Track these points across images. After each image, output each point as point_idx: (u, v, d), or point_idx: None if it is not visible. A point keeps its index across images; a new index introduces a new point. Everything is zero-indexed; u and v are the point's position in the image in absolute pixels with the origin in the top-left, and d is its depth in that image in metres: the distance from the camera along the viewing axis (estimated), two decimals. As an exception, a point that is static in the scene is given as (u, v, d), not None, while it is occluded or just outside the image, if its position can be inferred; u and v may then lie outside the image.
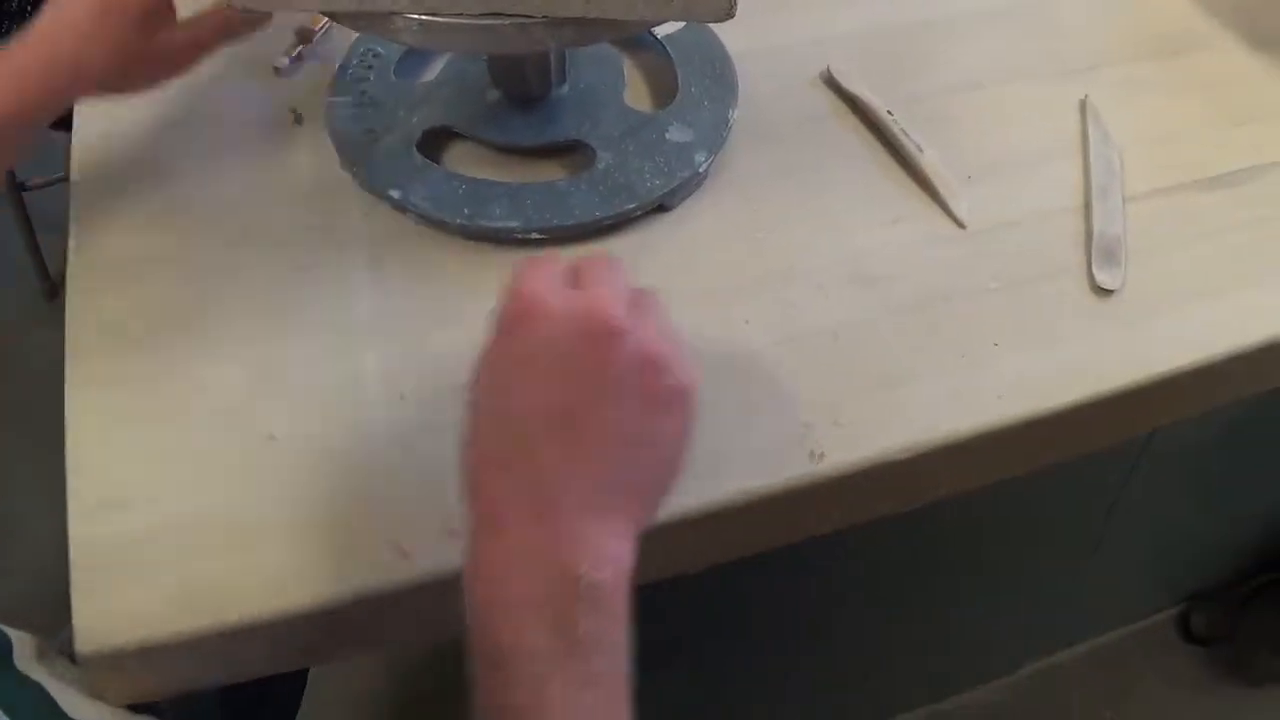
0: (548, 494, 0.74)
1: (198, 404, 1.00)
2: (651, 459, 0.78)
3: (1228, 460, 1.67)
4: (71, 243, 1.12)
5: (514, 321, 0.77)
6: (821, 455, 0.97)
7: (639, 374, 0.76)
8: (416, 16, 0.94)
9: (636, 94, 1.26)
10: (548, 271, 0.78)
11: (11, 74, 0.97)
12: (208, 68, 1.25)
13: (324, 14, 0.98)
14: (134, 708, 0.92)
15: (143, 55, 1.04)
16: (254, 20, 1.10)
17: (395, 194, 1.11)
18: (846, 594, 1.47)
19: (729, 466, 0.97)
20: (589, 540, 0.74)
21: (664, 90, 1.25)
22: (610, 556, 0.74)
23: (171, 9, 1.04)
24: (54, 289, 2.65)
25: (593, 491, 0.75)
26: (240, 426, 0.99)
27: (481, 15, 0.93)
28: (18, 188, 2.61)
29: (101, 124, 1.21)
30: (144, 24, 1.01)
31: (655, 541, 0.94)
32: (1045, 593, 1.86)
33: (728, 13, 0.92)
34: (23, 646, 0.94)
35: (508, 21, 0.93)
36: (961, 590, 1.65)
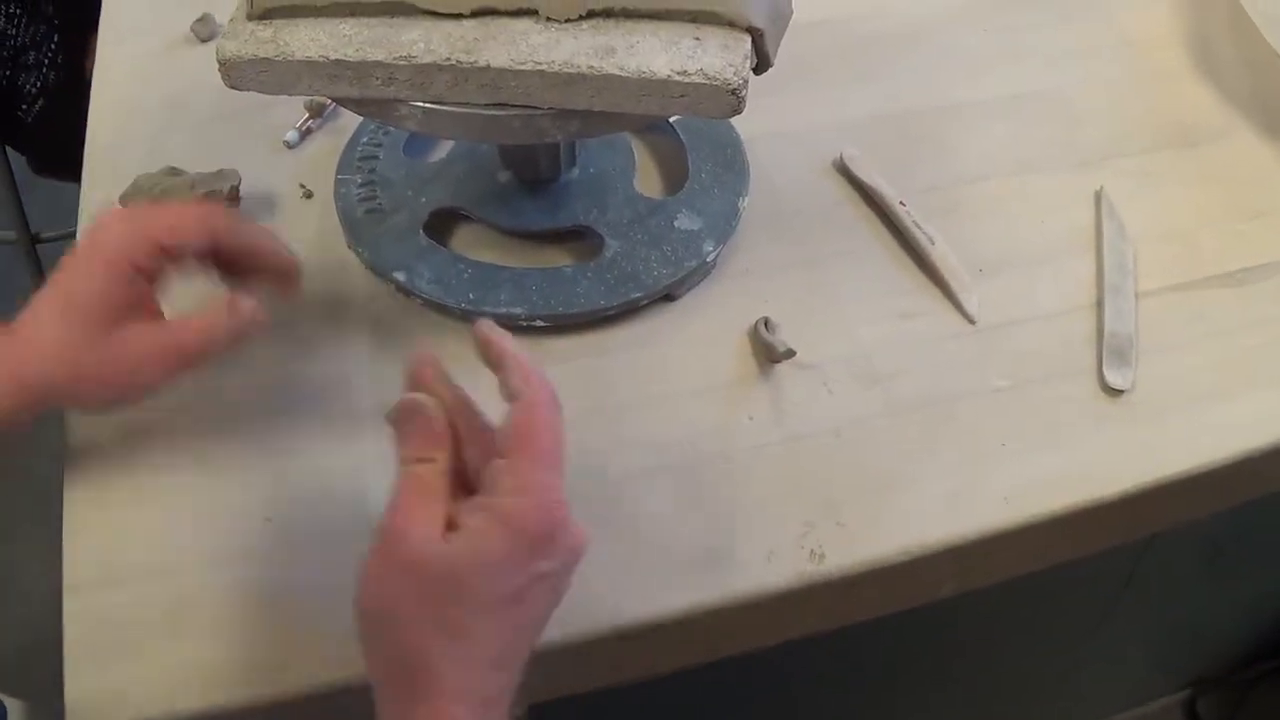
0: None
1: (195, 484, 1.00)
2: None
3: (1235, 544, 1.66)
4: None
5: (440, 591, 0.76)
6: (822, 555, 0.96)
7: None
8: (421, 104, 0.94)
9: (646, 177, 1.26)
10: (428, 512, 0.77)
11: None
12: (218, 138, 1.25)
13: (329, 98, 0.98)
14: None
15: (99, 359, 0.90)
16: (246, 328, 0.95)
17: (400, 277, 1.10)
18: (838, 682, 1.45)
19: (728, 564, 0.96)
20: None
21: (674, 174, 1.25)
22: None
23: (148, 304, 0.94)
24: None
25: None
26: (238, 507, 0.99)
27: (487, 105, 0.93)
28: (32, 239, 2.62)
29: (109, 189, 1.20)
30: (104, 316, 0.90)
31: (652, 639, 0.93)
32: (1046, 678, 1.84)
33: (734, 109, 0.91)
34: (16, 717, 0.94)
35: (514, 112, 0.93)
36: (955, 676, 1.64)
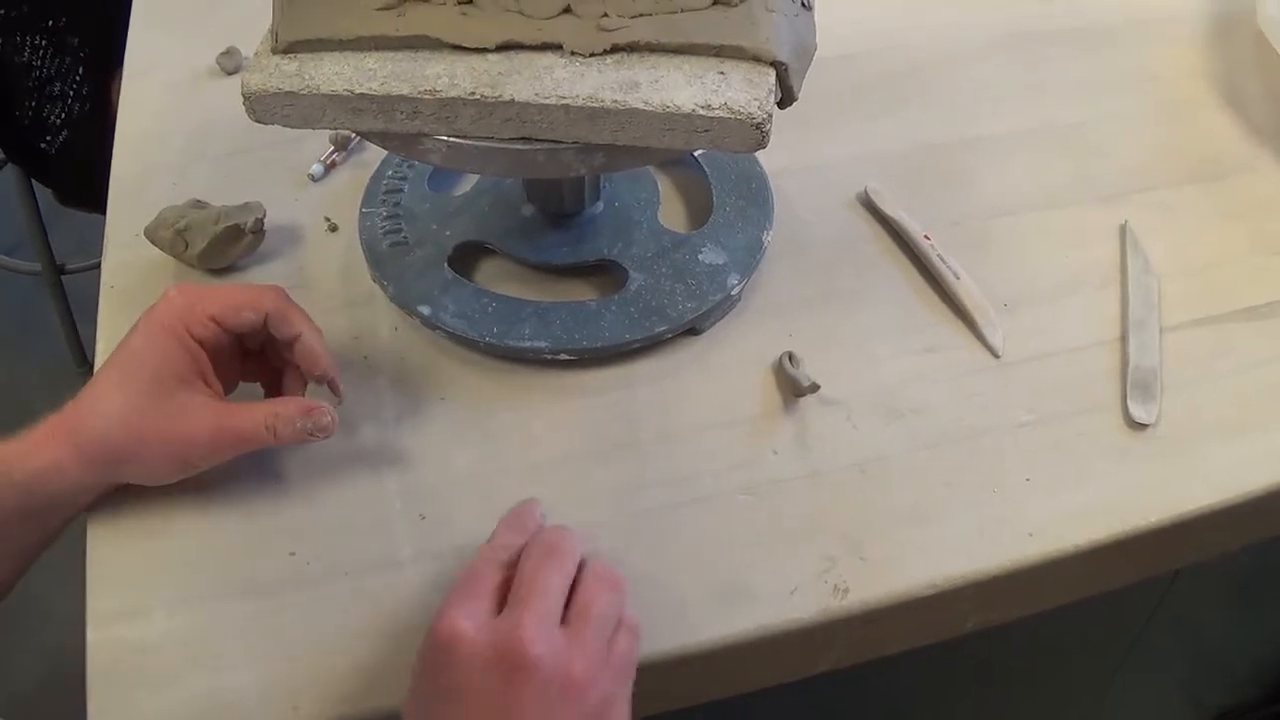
0: None
1: (219, 516, 1.00)
2: None
3: (1261, 578, 1.65)
4: (100, 350, 1.12)
5: (434, 659, 0.80)
6: (846, 590, 0.96)
7: (559, 702, 0.77)
8: (445, 138, 0.94)
9: (671, 211, 1.26)
10: (474, 602, 0.81)
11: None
12: (243, 171, 1.25)
13: (353, 131, 0.98)
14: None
15: (157, 423, 0.94)
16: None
17: (425, 310, 1.10)
18: (858, 714, 1.45)
19: (752, 598, 0.95)
20: None
21: (699, 208, 1.25)
22: None
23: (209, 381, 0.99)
24: (91, 372, 2.66)
25: None
26: (261, 541, 0.99)
27: (512, 139, 0.93)
28: (57, 270, 2.63)
29: (134, 221, 1.21)
30: (161, 381, 0.95)
31: (675, 673, 0.93)
32: (1070, 711, 1.83)
33: (759, 144, 0.91)
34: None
35: (538, 146, 0.93)
36: (978, 708, 1.63)
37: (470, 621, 0.79)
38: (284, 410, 0.96)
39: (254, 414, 0.95)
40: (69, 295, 2.69)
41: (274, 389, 1.05)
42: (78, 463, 0.92)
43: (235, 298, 0.98)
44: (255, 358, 1.04)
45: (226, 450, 0.96)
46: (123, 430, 0.92)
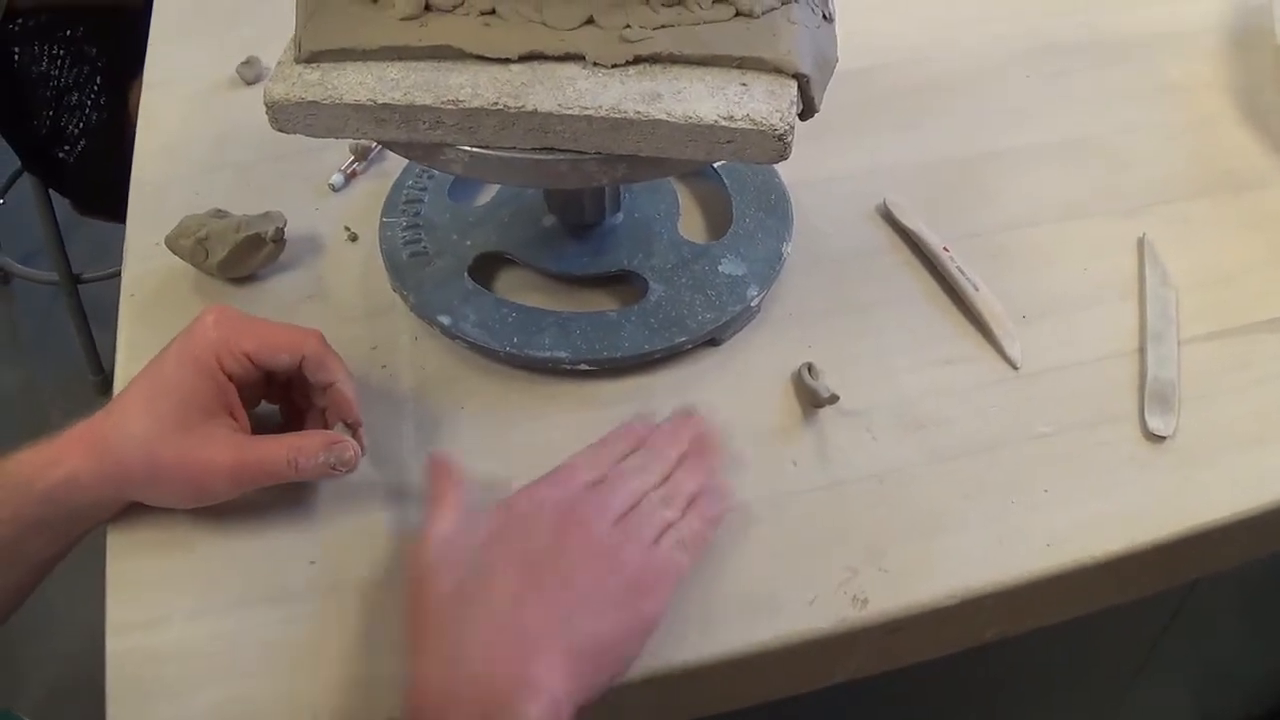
0: (499, 622, 0.83)
1: (239, 526, 1.00)
2: (609, 630, 0.86)
3: (1275, 586, 1.65)
4: (120, 359, 1.12)
5: (505, 511, 0.91)
6: (865, 601, 0.96)
7: (597, 558, 0.88)
8: (468, 149, 0.94)
9: (690, 222, 1.26)
10: (559, 489, 0.93)
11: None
12: (263, 180, 1.26)
13: (375, 141, 0.98)
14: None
15: (177, 451, 0.94)
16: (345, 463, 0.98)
17: (445, 320, 1.10)
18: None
19: (771, 609, 0.95)
20: (529, 677, 0.80)
21: (718, 219, 1.25)
22: (544, 689, 0.79)
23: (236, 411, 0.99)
24: (107, 381, 2.67)
25: (541, 631, 0.82)
26: (279, 550, 0.99)
27: (534, 149, 0.93)
28: (74, 279, 2.63)
29: (154, 230, 1.21)
30: (188, 410, 0.95)
31: (694, 682, 0.93)
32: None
33: (781, 155, 0.91)
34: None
35: (561, 157, 0.93)
36: (990, 718, 1.63)
37: (552, 493, 0.92)
38: (306, 444, 0.96)
39: (276, 447, 0.95)
40: (85, 304, 2.69)
41: (294, 421, 1.05)
42: (98, 478, 0.92)
43: (274, 338, 0.98)
44: (281, 386, 1.04)
45: (247, 483, 0.96)
46: (144, 454, 0.93)
